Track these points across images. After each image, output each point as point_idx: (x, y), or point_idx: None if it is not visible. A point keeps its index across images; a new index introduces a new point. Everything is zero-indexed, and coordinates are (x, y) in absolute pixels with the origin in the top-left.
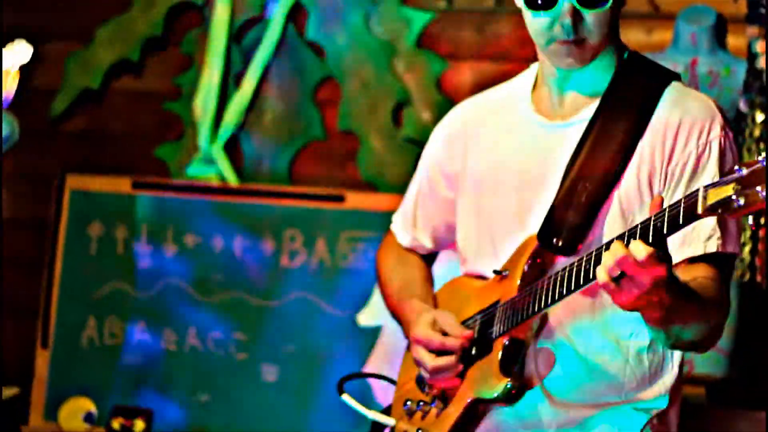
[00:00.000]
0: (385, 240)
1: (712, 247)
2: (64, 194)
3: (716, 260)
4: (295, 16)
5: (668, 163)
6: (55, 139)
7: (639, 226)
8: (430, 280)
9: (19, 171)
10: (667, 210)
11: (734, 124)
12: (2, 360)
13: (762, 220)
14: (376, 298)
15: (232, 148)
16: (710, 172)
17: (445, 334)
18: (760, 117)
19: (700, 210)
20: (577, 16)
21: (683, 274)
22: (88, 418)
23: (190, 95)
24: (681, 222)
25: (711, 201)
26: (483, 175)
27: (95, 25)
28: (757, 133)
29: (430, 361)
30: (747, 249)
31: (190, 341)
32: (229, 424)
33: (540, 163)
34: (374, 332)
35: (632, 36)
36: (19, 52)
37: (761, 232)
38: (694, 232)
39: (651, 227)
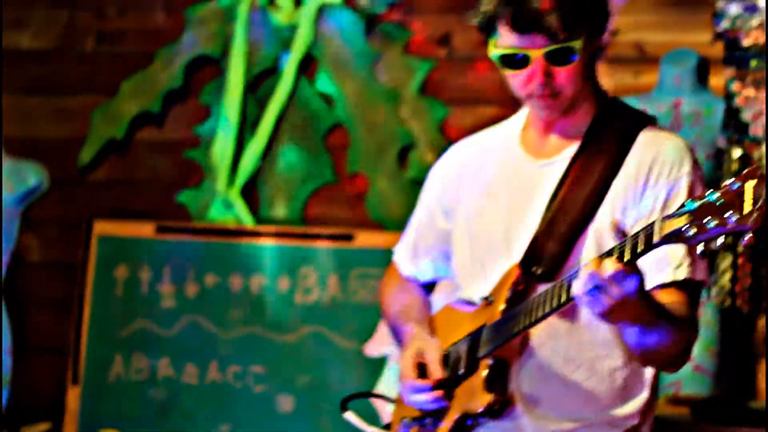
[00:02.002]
0: (388, 270)
1: (682, 274)
2: (92, 239)
3: (686, 287)
4: (307, 67)
5: (641, 200)
6: (82, 187)
7: (604, 253)
8: (427, 305)
9: (49, 217)
10: (629, 239)
11: (714, 160)
12: (33, 396)
13: (739, 249)
14: (382, 329)
15: (248, 192)
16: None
17: (422, 366)
18: (737, 153)
19: (656, 239)
20: (548, 73)
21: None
22: None
23: (208, 143)
24: (640, 250)
25: (666, 231)
26: (475, 207)
27: (119, 79)
28: (734, 168)
29: (407, 397)
30: (727, 277)
31: (211, 375)
32: None
33: (525, 196)
34: (381, 361)
35: (621, 79)
36: None
37: (740, 261)
38: (665, 260)
39: (615, 253)
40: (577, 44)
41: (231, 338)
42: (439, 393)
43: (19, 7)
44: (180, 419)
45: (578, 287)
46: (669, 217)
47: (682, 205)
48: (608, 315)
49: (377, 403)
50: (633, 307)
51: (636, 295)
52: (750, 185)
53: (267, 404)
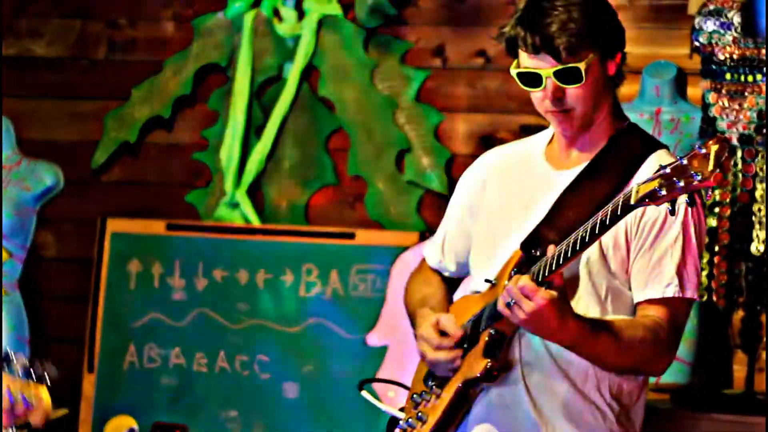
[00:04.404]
0: (418, 266)
1: (670, 293)
2: (106, 236)
3: (673, 305)
4: (309, 75)
5: (641, 217)
6: (96, 187)
7: (572, 236)
8: (446, 298)
9: (65, 216)
10: (610, 205)
11: None
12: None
13: (716, 248)
14: (383, 322)
15: (254, 192)
16: (675, 232)
17: (443, 332)
18: None
19: (633, 201)
20: (559, 91)
21: (640, 311)
22: None
23: (216, 146)
24: (619, 213)
25: (642, 193)
26: (495, 205)
27: (130, 85)
28: None
29: (431, 354)
30: (704, 274)
31: (220, 364)
32: None
33: (540, 197)
34: (381, 351)
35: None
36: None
37: (716, 259)
38: (657, 278)
39: (589, 227)
40: (583, 65)
41: (238, 329)
42: (459, 351)
43: (35, 17)
44: (190, 405)
45: (500, 302)
46: (645, 181)
47: (657, 170)
48: (527, 327)
49: (380, 390)
50: (551, 322)
51: (549, 310)
52: (714, 149)
53: (273, 391)
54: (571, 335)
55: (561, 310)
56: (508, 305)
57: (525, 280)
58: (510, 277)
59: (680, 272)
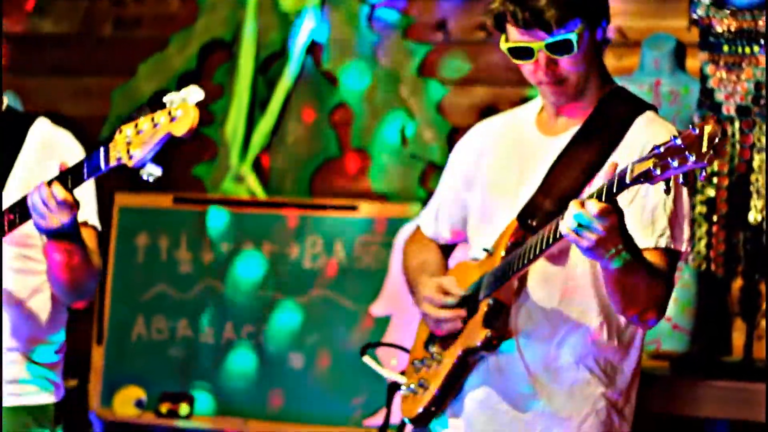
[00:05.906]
0: (413, 232)
1: (663, 243)
2: (113, 210)
3: (666, 254)
4: (313, 50)
5: None
6: None
7: (587, 196)
8: (443, 264)
9: None
10: (606, 183)
11: None
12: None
13: (714, 218)
14: (386, 292)
15: (259, 166)
16: (662, 187)
17: (446, 293)
18: None
19: (628, 180)
20: (551, 62)
21: None
22: (139, 403)
23: (222, 121)
24: (615, 190)
25: (636, 172)
26: (490, 174)
27: (136, 62)
28: None
29: (434, 312)
30: (703, 243)
31: (227, 335)
32: (263, 407)
33: (534, 165)
34: (385, 321)
35: (605, 61)
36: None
37: (714, 229)
38: (649, 229)
39: (596, 194)
40: (574, 36)
41: (245, 300)
42: (461, 310)
43: None
44: (197, 376)
45: (565, 225)
46: (639, 160)
47: (652, 149)
48: (594, 249)
49: (382, 356)
50: (615, 242)
51: (618, 229)
52: (707, 129)
53: (279, 361)
54: (635, 252)
55: (626, 228)
56: (576, 231)
57: (593, 202)
58: (507, 248)
59: (672, 224)
